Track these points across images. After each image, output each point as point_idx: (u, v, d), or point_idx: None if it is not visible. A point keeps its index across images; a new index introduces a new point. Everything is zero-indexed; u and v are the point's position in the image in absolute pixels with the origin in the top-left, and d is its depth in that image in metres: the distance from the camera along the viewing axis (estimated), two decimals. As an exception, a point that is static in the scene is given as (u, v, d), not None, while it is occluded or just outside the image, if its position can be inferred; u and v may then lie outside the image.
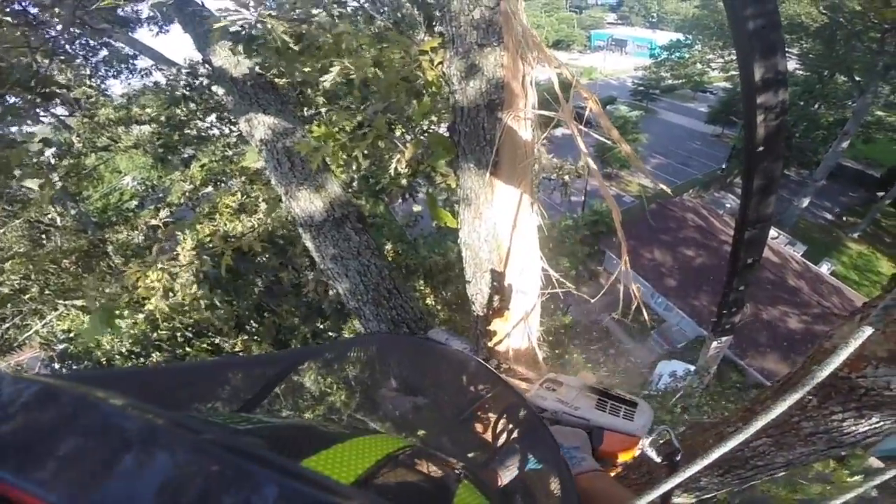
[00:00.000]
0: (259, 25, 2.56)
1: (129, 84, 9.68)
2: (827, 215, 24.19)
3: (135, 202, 12.41)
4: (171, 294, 4.92)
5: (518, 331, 2.23)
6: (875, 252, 21.16)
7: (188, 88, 7.49)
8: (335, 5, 3.01)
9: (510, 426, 1.14)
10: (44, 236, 7.64)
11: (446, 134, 2.08)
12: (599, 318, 15.79)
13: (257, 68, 3.20)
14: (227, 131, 8.89)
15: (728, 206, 23.34)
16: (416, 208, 6.76)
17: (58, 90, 3.58)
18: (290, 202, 2.99)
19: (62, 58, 6.16)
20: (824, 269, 17.36)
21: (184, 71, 5.85)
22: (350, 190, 6.14)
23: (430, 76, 2.34)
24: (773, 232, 16.86)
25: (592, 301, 2.13)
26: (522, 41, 2.00)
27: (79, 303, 6.81)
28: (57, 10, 3.62)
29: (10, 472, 0.28)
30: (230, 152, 9.49)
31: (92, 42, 8.31)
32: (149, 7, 5.78)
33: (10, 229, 7.24)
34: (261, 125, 3.02)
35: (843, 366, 1.35)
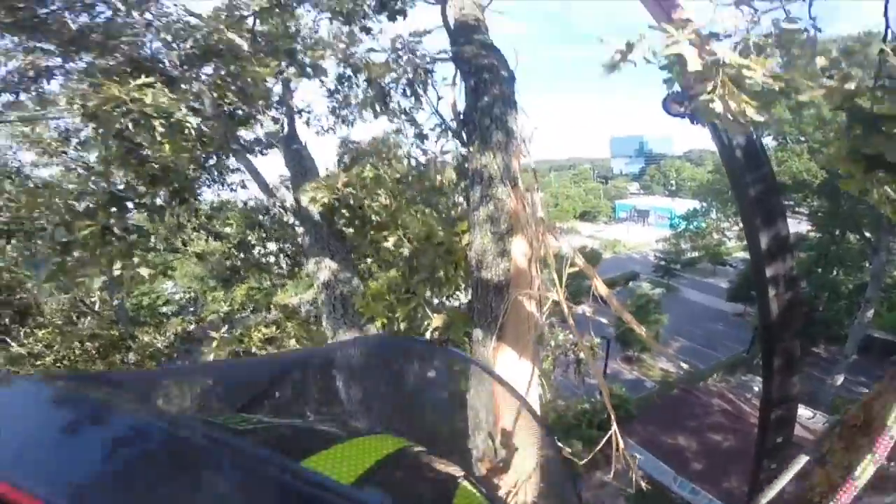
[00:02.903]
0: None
1: (219, 195, 10.06)
2: (864, 390, 22.53)
3: (170, 307, 12.70)
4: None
5: (518, 489, 2.32)
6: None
7: (265, 214, 8.20)
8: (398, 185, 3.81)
9: (517, 434, 1.17)
10: (80, 317, 8.04)
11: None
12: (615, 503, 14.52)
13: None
14: (283, 264, 9.35)
15: (756, 389, 21.96)
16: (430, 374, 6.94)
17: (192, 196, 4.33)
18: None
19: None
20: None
21: (277, 203, 6.62)
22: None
23: (461, 254, 2.88)
24: (807, 412, 15.75)
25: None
26: (536, 226, 2.52)
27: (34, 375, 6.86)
28: (213, 125, 4.47)
29: (11, 473, 0.28)
30: (276, 282, 10.00)
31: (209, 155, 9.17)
32: (263, 135, 6.60)
33: (55, 301, 7.68)
34: (326, 269, 3.53)
35: (819, 497, 1.53)
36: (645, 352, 25.35)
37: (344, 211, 3.55)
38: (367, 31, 6.63)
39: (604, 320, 21.47)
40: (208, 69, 5.22)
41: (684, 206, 48.69)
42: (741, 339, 27.70)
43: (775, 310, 3.76)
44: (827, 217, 21.40)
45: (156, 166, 3.87)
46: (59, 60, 6.41)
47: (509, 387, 1.40)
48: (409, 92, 4.31)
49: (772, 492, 1.37)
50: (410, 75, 4.01)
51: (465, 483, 0.70)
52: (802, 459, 1.42)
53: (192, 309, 12.19)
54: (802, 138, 20.26)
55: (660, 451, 15.07)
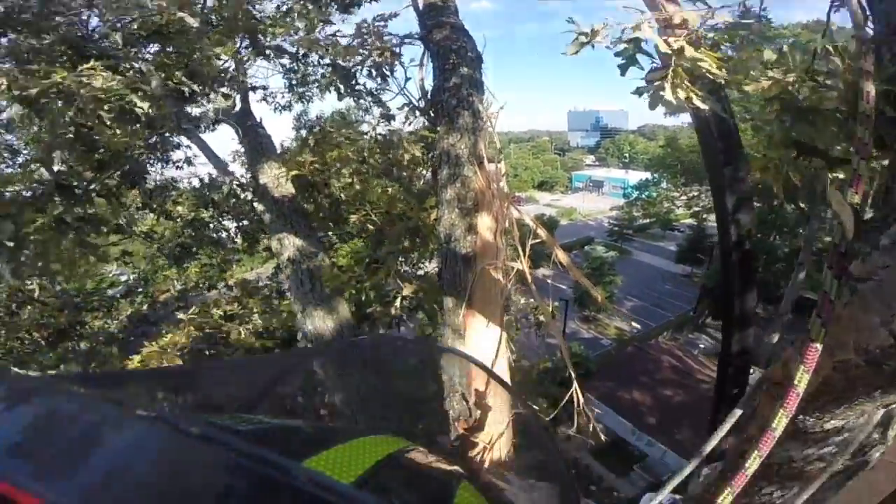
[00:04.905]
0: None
1: (163, 174, 9.54)
2: None
3: (117, 290, 12.19)
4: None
5: (491, 446, 2.56)
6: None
7: (217, 191, 7.91)
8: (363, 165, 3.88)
9: (516, 434, 1.29)
10: (21, 306, 7.62)
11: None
12: (578, 457, 15.50)
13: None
14: (238, 240, 9.18)
15: (702, 346, 23.78)
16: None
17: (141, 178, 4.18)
18: (304, 319, 3.41)
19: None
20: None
21: (233, 181, 6.35)
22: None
23: (430, 228, 3.03)
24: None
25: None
26: (501, 202, 2.69)
27: (33, 374, 6.72)
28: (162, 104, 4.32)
29: (11, 472, 0.28)
30: (229, 257, 9.87)
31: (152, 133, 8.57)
32: (213, 111, 6.26)
33: None
34: (291, 246, 3.55)
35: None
36: (601, 311, 26.78)
37: (308, 190, 3.58)
38: (328, 22, 6.41)
39: (562, 285, 22.42)
40: (154, 48, 4.98)
41: (637, 178, 50.61)
42: (688, 298, 29.53)
43: (736, 266, 4.08)
44: (767, 188, 22.84)
45: (103, 151, 3.70)
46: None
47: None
48: (374, 73, 4.31)
49: (712, 442, 1.61)
50: (377, 57, 3.99)
51: (466, 483, 0.71)
52: (737, 413, 1.65)
53: (140, 290, 11.68)
54: (748, 116, 21.40)
55: (618, 405, 16.22)
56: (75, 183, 3.65)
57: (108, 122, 3.51)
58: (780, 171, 2.49)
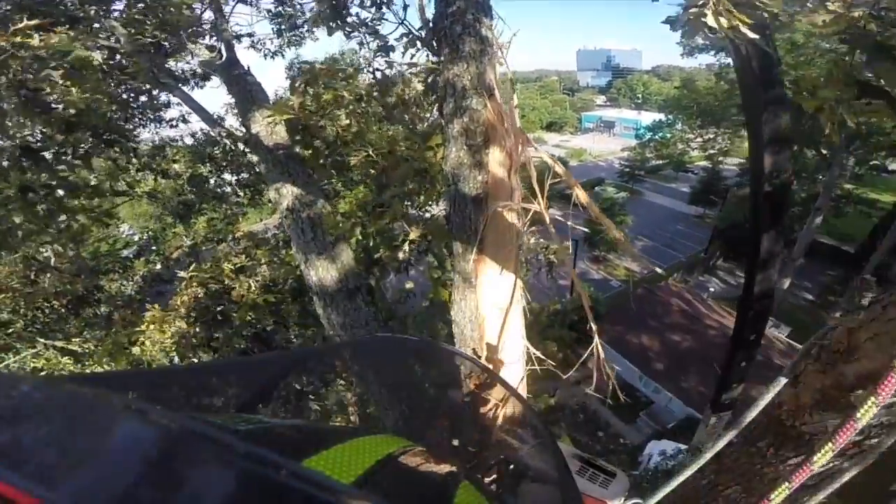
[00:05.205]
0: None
1: (157, 133, 9.58)
2: (808, 296, 24.27)
3: (130, 250, 12.48)
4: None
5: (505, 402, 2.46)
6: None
7: (214, 146, 7.84)
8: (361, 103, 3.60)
9: (517, 434, 1.27)
10: (38, 275, 7.67)
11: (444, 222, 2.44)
12: (587, 402, 15.80)
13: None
14: (240, 193, 9.17)
15: (712, 289, 23.51)
16: (409, 285, 7.07)
17: (120, 137, 4.09)
18: (307, 270, 3.28)
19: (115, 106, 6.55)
20: (809, 349, 17.59)
21: (223, 134, 6.21)
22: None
23: (436, 168, 2.81)
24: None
25: (589, 389, 2.36)
26: (515, 137, 2.44)
27: (59, 343, 6.87)
28: (135, 61, 4.13)
29: (10, 473, 0.27)
30: (235, 210, 9.86)
31: (140, 92, 8.07)
32: (198, 65, 6.00)
33: (4, 263, 7.28)
34: (289, 194, 3.40)
35: (787, 416, 1.59)
36: (611, 252, 26.60)
37: (300, 135, 3.37)
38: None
39: (569, 223, 22.07)
40: (119, 4, 4.67)
41: (650, 119, 48.88)
42: (699, 238, 29.16)
43: (765, 206, 3.94)
44: (787, 133, 22.57)
45: (71, 112, 3.50)
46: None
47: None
48: (369, 2, 3.94)
49: (750, 415, 1.43)
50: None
51: (466, 483, 0.71)
52: (781, 381, 1.46)
53: (153, 248, 11.88)
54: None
55: (625, 349, 16.24)
56: (47, 147, 3.53)
57: (60, 81, 3.31)
58: (834, 112, 2.37)
